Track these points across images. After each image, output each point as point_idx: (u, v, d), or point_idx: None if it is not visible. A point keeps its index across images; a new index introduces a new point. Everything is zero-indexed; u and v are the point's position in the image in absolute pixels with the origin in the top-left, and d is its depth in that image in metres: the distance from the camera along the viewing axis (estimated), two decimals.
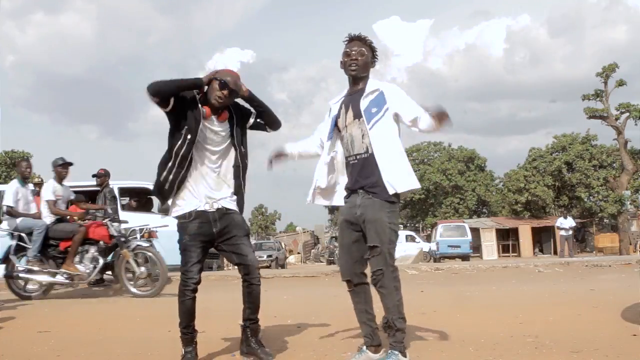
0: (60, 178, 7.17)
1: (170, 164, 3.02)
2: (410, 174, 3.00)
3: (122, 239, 6.98)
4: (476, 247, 28.85)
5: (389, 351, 2.89)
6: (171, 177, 3.02)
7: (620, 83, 26.06)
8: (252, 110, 3.25)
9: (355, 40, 3.09)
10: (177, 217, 3.09)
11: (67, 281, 6.87)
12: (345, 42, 3.11)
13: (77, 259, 6.86)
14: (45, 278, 6.83)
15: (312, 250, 37.50)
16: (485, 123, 64.82)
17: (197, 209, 3.05)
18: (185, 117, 3.02)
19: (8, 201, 7.12)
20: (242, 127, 3.21)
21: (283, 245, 31.09)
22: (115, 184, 10.64)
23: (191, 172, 3.06)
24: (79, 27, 77.55)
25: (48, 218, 7.00)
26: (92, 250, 6.96)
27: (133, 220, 9.59)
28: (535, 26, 64.58)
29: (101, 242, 6.96)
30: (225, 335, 3.92)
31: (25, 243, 6.87)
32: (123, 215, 10.21)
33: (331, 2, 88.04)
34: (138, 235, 8.11)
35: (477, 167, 39.22)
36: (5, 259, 6.97)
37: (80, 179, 8.96)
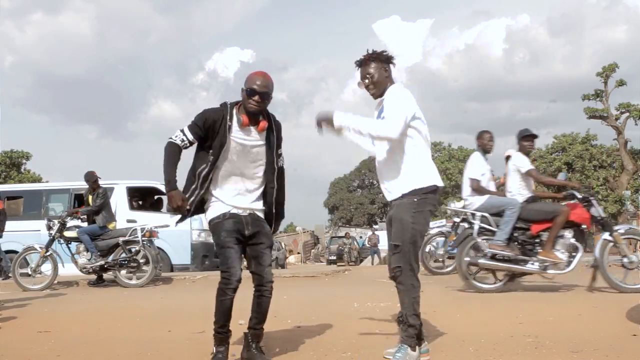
0: (525, 152, 6.27)
1: (194, 186, 3.07)
2: (412, 176, 3.04)
3: (604, 221, 6.03)
4: None
5: (399, 345, 2.99)
6: (192, 198, 3.07)
7: (620, 83, 26.04)
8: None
9: (362, 65, 3.14)
10: (211, 220, 3.10)
11: (538, 270, 5.94)
12: (356, 68, 3.17)
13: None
14: (513, 266, 5.90)
15: (312, 250, 37.49)
16: (485, 123, 65.00)
17: (230, 211, 3.07)
18: (213, 139, 3.02)
19: (474, 173, 6.23)
20: (279, 138, 3.20)
21: (283, 245, 31.09)
22: (124, 184, 10.63)
23: (220, 183, 3.09)
24: (78, 27, 77.67)
25: (519, 196, 6.09)
26: (569, 235, 5.87)
27: (142, 220, 9.61)
28: (534, 26, 64.66)
29: (583, 226, 5.93)
30: None
31: (490, 225, 5.99)
32: (132, 214, 10.21)
33: (331, 2, 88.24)
34: (139, 235, 8.12)
35: None
36: (460, 243, 6.17)
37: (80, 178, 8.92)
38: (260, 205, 3.17)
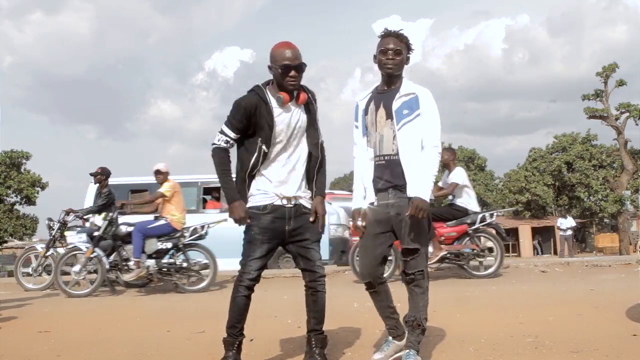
0: None
1: (247, 180, 2.93)
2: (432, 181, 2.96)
3: None
4: None
5: (408, 350, 2.91)
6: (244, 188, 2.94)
7: (620, 83, 26.05)
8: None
9: (392, 36, 2.96)
10: (250, 208, 2.91)
11: None
12: (381, 37, 2.99)
13: None
14: None
15: None
16: (485, 123, 64.95)
17: (274, 203, 2.89)
18: (257, 126, 2.87)
19: None
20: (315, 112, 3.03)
21: None
22: (200, 180, 10.38)
23: (267, 171, 2.92)
24: (77, 27, 77.55)
25: None
26: None
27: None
28: (534, 26, 64.59)
29: None
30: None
31: None
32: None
33: (331, 2, 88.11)
34: None
35: (477, 167, 39.23)
36: None
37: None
38: (306, 190, 2.98)
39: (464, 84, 62.47)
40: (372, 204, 3.02)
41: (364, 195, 3.03)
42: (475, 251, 7.27)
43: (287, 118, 2.92)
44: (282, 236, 2.93)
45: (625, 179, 27.11)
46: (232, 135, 2.92)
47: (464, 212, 7.33)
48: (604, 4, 61.59)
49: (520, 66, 60.37)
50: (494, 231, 7.47)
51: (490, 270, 7.35)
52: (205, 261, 7.24)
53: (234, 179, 2.98)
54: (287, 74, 2.85)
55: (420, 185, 2.86)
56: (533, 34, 61.61)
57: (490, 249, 7.40)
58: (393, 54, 2.93)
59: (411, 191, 2.89)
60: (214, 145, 2.94)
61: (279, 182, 2.92)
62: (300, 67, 2.88)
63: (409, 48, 3.01)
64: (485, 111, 65.24)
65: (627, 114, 25.95)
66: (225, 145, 2.93)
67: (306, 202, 2.98)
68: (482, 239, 7.44)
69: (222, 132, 2.93)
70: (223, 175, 2.93)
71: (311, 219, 2.94)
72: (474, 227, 7.31)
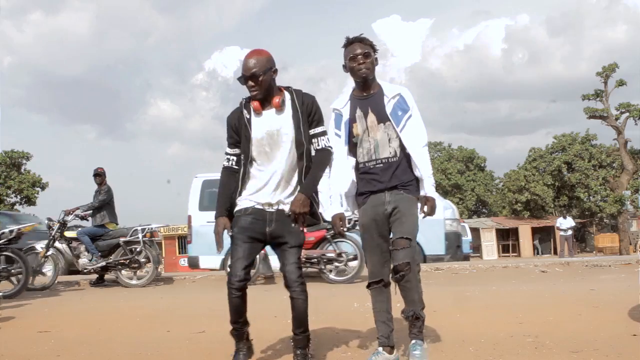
0: None
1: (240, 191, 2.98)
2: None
3: None
4: (476, 247, 28.86)
5: (414, 341, 2.93)
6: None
7: (620, 83, 26.04)
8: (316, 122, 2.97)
9: (357, 42, 3.02)
10: (235, 212, 2.98)
11: None
12: (345, 46, 3.04)
13: None
14: None
15: None
16: (485, 123, 64.73)
17: (255, 207, 2.93)
18: (241, 138, 2.95)
19: None
20: (312, 113, 2.96)
21: None
22: None
23: (253, 180, 2.96)
24: (77, 27, 77.29)
25: None
26: None
27: None
28: (534, 26, 64.37)
29: None
30: (225, 335, 3.91)
31: None
32: None
33: (331, 2, 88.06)
34: (140, 235, 8.10)
35: (477, 167, 39.26)
36: None
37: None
38: (292, 197, 2.94)
39: (463, 84, 62.40)
40: (366, 203, 3.05)
41: (340, 202, 3.11)
42: (332, 256, 7.28)
43: (264, 125, 2.93)
44: (264, 237, 2.95)
45: (625, 179, 27.10)
46: (228, 150, 3.02)
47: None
48: (604, 4, 61.47)
49: (520, 66, 60.21)
50: (355, 236, 7.31)
51: (350, 275, 7.38)
52: (19, 267, 6.98)
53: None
54: (245, 84, 2.89)
55: (428, 186, 3.01)
56: (533, 34, 61.43)
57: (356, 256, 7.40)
58: (363, 57, 3.00)
59: (421, 190, 3.03)
60: (222, 166, 3.04)
61: (264, 189, 2.94)
62: (252, 77, 2.84)
63: (374, 49, 3.06)
64: (485, 111, 65.20)
65: (627, 114, 25.96)
66: (227, 163, 3.02)
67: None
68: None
69: (225, 152, 3.04)
70: (219, 193, 3.02)
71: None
72: (332, 232, 7.31)
